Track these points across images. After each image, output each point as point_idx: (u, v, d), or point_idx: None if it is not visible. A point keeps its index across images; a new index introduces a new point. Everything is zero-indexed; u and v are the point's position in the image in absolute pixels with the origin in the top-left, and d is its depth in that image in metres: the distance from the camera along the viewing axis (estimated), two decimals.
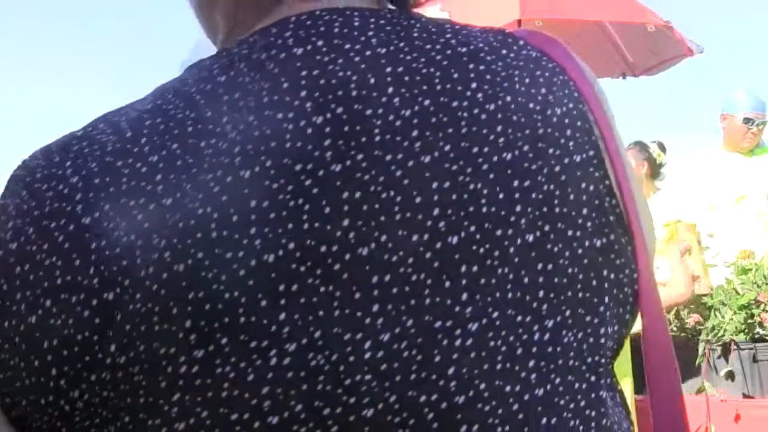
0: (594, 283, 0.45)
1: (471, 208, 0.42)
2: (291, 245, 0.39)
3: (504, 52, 0.47)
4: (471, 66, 0.46)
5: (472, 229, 0.42)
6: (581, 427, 0.44)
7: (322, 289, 0.39)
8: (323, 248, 0.40)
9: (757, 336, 2.35)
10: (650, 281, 0.48)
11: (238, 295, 0.39)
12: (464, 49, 0.46)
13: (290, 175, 0.40)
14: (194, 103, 0.43)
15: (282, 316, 0.39)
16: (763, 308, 2.35)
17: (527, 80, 0.46)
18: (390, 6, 0.51)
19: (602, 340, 0.46)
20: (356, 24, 0.45)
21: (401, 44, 0.45)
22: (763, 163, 3.71)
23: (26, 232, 0.41)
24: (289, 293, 0.39)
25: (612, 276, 0.46)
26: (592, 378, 0.45)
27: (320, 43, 0.44)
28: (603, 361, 0.46)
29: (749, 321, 2.36)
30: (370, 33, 0.45)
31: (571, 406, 0.44)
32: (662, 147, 4.14)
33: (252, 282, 0.39)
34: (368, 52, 0.44)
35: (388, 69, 0.44)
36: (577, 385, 0.44)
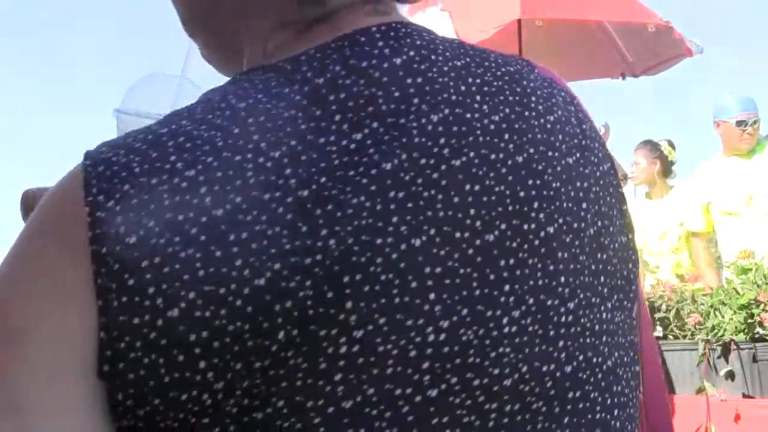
0: (624, 273, 0.53)
1: (557, 203, 0.48)
2: (432, 231, 0.43)
3: (533, 75, 0.53)
4: (524, 83, 0.51)
5: (561, 220, 0.48)
6: (630, 394, 0.51)
7: (462, 271, 0.44)
8: (457, 234, 0.44)
9: (757, 336, 2.35)
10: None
11: (392, 277, 0.41)
12: (511, 68, 0.52)
13: (417, 168, 0.44)
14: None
15: (432, 296, 0.42)
16: (763, 308, 2.35)
17: (561, 99, 0.53)
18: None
19: (634, 323, 0.54)
20: (427, 37, 0.50)
21: (467, 59, 0.50)
22: (763, 161, 3.71)
23: (147, 225, 0.40)
24: (433, 276, 0.43)
25: (633, 269, 0.54)
26: (632, 354, 0.52)
27: (412, 53, 0.48)
28: (635, 339, 0.53)
29: (749, 321, 2.35)
30: (440, 47, 0.50)
31: (625, 376, 0.51)
32: (672, 144, 4.14)
33: (403, 265, 0.42)
34: (450, 64, 0.49)
35: (470, 80, 0.49)
36: (626, 359, 0.51)
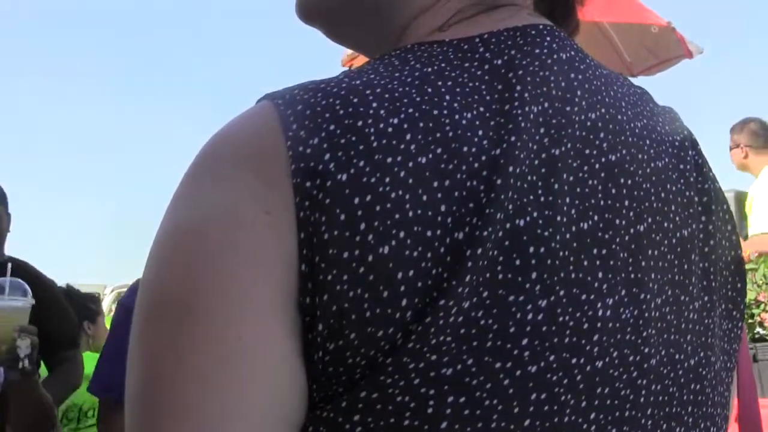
0: (738, 285, 0.56)
1: (646, 204, 0.49)
2: (596, 216, 0.46)
3: (620, 81, 0.55)
4: (615, 87, 0.53)
5: (650, 220, 0.49)
6: (716, 398, 0.52)
7: (622, 254, 0.47)
8: (617, 221, 0.48)
9: (757, 336, 2.35)
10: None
11: (568, 253, 0.44)
12: (604, 71, 0.54)
13: (584, 158, 0.47)
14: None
15: (600, 274, 0.45)
16: (763, 308, 2.35)
17: (650, 107, 0.55)
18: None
19: (739, 333, 0.56)
20: (568, 41, 0.53)
21: (572, 53, 0.52)
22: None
23: (357, 165, 0.41)
24: (598, 256, 0.45)
25: (740, 281, 0.56)
26: (725, 358, 0.54)
27: (573, 53, 0.52)
28: (726, 345, 0.54)
29: (749, 321, 2.36)
30: (580, 54, 0.53)
31: (708, 377, 0.51)
32: None
33: (576, 243, 0.44)
34: (591, 71, 0.52)
35: (572, 75, 0.50)
36: (714, 360, 0.52)
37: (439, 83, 0.45)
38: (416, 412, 0.40)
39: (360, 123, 0.42)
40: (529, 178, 0.44)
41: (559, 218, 0.44)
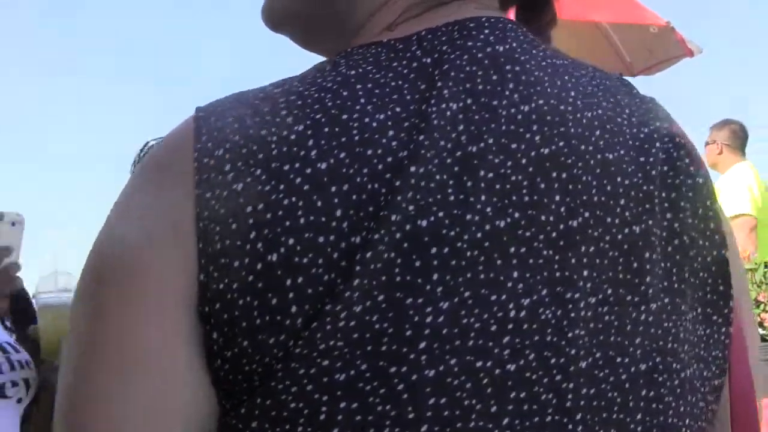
0: (720, 288, 0.51)
1: (584, 197, 0.47)
2: (517, 214, 0.45)
3: (580, 69, 0.52)
4: (574, 80, 0.51)
5: (587, 214, 0.46)
6: (685, 408, 0.48)
7: (545, 252, 0.45)
8: (542, 217, 0.45)
9: None
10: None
11: (478, 253, 0.43)
12: (559, 61, 0.51)
13: (508, 153, 0.45)
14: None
15: (515, 273, 0.44)
16: (763, 308, 2.35)
17: (614, 95, 0.52)
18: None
19: (723, 338, 0.51)
20: (529, 36, 0.52)
21: (564, 61, 0.51)
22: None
23: (254, 174, 0.42)
24: (516, 254, 0.44)
25: (726, 283, 0.51)
26: (715, 370, 0.50)
27: (515, 44, 0.50)
28: (703, 352, 0.50)
29: None
30: (540, 48, 0.51)
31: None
32: None
33: (488, 242, 0.43)
34: (549, 60, 0.50)
35: (566, 77, 0.49)
36: (676, 365, 0.48)
37: (358, 86, 0.45)
38: (309, 419, 0.40)
39: (263, 132, 0.43)
40: (437, 177, 0.43)
41: (469, 217, 0.43)
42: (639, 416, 0.46)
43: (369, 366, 0.40)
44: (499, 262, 0.43)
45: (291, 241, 0.41)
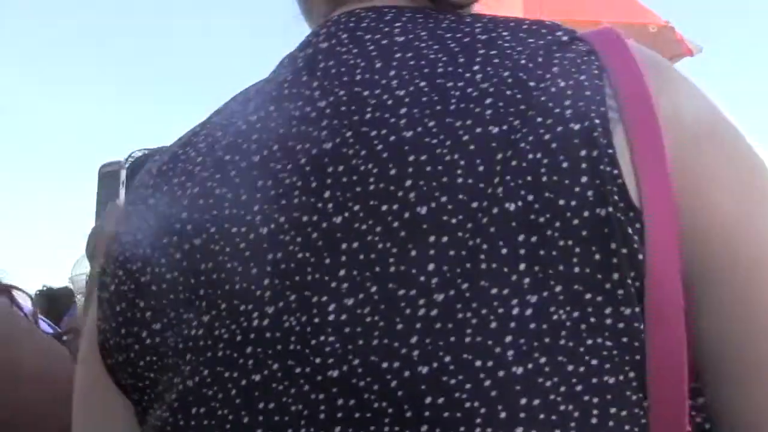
0: (597, 257, 0.40)
1: (444, 179, 0.42)
2: (283, 218, 0.45)
3: (524, 36, 0.46)
4: (482, 51, 0.45)
5: (444, 199, 0.41)
6: (576, 413, 0.39)
7: (300, 255, 0.44)
8: (305, 218, 0.44)
9: None
10: (669, 264, 0.41)
11: (237, 264, 0.45)
12: (484, 37, 0.46)
13: (291, 155, 0.46)
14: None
15: (267, 281, 0.44)
16: None
17: (538, 60, 0.44)
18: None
19: (608, 321, 0.40)
20: (386, 18, 0.50)
21: (422, 33, 0.48)
22: None
23: (138, 237, 0.51)
24: (273, 262, 0.44)
25: (620, 252, 0.40)
26: (594, 361, 0.40)
27: (344, 36, 0.49)
28: (610, 343, 0.40)
29: None
30: (397, 25, 0.49)
31: (562, 389, 0.39)
32: None
33: (248, 253, 0.45)
34: (385, 41, 0.48)
35: (398, 55, 0.47)
36: (571, 368, 0.39)
37: (259, 100, 0.50)
38: (174, 426, 0.45)
39: (165, 187, 0.51)
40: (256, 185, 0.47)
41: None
42: (426, 428, 0.40)
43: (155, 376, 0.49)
44: (254, 270, 0.44)
45: (173, 314, 0.48)
